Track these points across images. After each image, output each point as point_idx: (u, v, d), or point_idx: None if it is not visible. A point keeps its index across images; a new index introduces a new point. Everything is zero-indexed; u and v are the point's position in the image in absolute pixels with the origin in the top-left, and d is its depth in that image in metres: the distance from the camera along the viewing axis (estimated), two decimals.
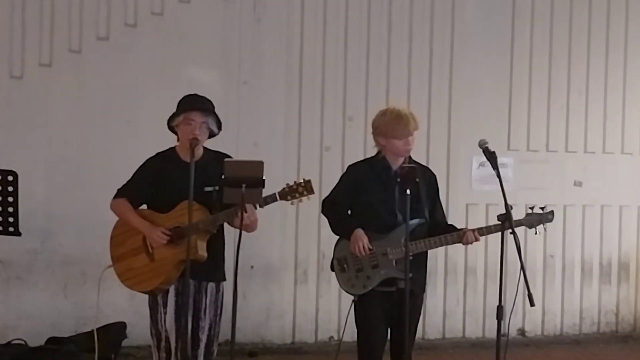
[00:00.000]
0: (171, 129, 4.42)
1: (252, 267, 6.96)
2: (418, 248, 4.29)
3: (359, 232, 4.33)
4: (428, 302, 7.24)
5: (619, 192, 7.90)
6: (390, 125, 4.38)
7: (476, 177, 7.40)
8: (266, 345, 7.04)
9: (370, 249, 4.33)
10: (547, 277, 7.77)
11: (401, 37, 7.35)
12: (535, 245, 7.55)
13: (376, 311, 4.38)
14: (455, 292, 7.53)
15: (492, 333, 7.16)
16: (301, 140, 7.16)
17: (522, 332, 7.68)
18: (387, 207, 4.39)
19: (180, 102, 4.44)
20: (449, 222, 4.65)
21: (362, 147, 6.60)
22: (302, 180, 4.19)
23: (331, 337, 7.16)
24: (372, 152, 4.69)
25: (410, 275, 4.12)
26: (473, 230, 4.37)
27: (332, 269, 4.51)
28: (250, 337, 6.97)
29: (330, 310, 7.14)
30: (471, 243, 4.37)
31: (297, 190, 4.17)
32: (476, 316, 7.54)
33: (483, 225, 4.69)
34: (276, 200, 4.18)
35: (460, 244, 4.45)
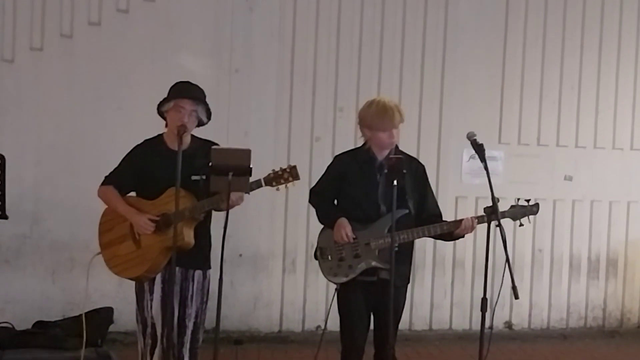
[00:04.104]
0: (160, 114, 4.41)
1: (240, 255, 6.98)
2: (401, 239, 4.28)
3: (343, 221, 4.35)
4: (415, 293, 7.30)
5: (609, 187, 7.93)
6: (376, 117, 4.37)
7: (466, 170, 7.42)
8: (253, 333, 7.06)
9: (353, 238, 4.34)
10: (535, 271, 7.80)
11: (394, 29, 7.35)
12: (524, 239, 7.57)
13: (358, 300, 4.40)
14: (443, 284, 7.55)
15: (479, 325, 7.13)
16: (291, 130, 7.16)
17: (509, 325, 7.71)
18: (370, 198, 4.40)
19: (171, 88, 4.43)
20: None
21: (353, 138, 6.54)
22: (287, 166, 4.19)
23: (318, 327, 7.17)
24: (361, 143, 4.68)
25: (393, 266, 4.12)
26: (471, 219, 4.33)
27: (316, 258, 4.52)
28: (237, 325, 6.99)
29: (317, 300, 7.16)
30: (469, 231, 4.34)
31: (282, 176, 4.16)
32: (463, 308, 7.56)
33: None
34: (261, 186, 4.17)
35: (438, 239, 4.47)
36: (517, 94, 7.69)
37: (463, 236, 4.44)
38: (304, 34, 7.15)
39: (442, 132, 7.48)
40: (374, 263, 4.34)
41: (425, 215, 4.47)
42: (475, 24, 7.52)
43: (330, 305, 4.48)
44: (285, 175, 4.16)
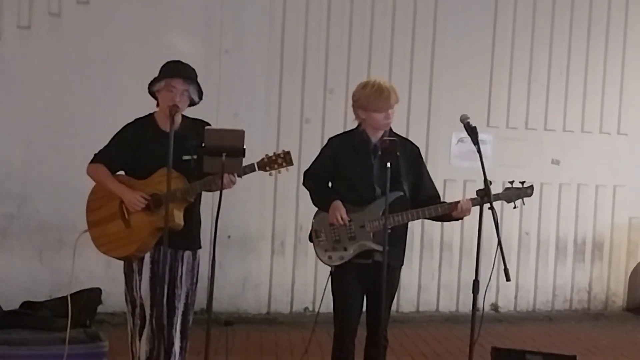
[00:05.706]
0: (151, 93, 4.37)
1: (229, 237, 6.97)
2: (395, 221, 4.29)
3: (337, 204, 4.34)
4: (403, 275, 7.24)
5: (596, 171, 7.99)
6: (371, 98, 4.35)
7: (455, 153, 7.44)
8: (242, 315, 7.08)
9: (348, 220, 4.34)
10: (522, 254, 7.86)
11: (384, 11, 7.34)
12: (511, 222, 7.62)
13: (352, 282, 4.41)
14: (431, 267, 7.59)
15: (465, 307, 7.28)
16: (281, 111, 7.15)
17: (495, 307, 7.77)
18: (364, 180, 4.39)
19: (163, 67, 4.37)
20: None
21: (342, 120, 6.60)
22: (281, 152, 4.17)
23: (306, 308, 7.20)
24: (352, 125, 4.66)
25: (387, 248, 4.12)
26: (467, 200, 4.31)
27: (310, 240, 4.52)
28: (226, 306, 7.00)
29: (306, 282, 7.18)
30: (467, 213, 4.32)
31: (276, 162, 4.14)
32: (451, 291, 7.61)
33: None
34: (255, 170, 4.15)
35: (434, 220, 4.46)
36: (506, 78, 7.72)
37: (461, 218, 4.44)
38: (294, 15, 7.12)
39: (432, 115, 7.50)
40: (368, 245, 4.35)
41: (422, 197, 4.46)
42: (465, 8, 7.53)
43: (325, 287, 4.48)
44: (279, 161, 4.14)
